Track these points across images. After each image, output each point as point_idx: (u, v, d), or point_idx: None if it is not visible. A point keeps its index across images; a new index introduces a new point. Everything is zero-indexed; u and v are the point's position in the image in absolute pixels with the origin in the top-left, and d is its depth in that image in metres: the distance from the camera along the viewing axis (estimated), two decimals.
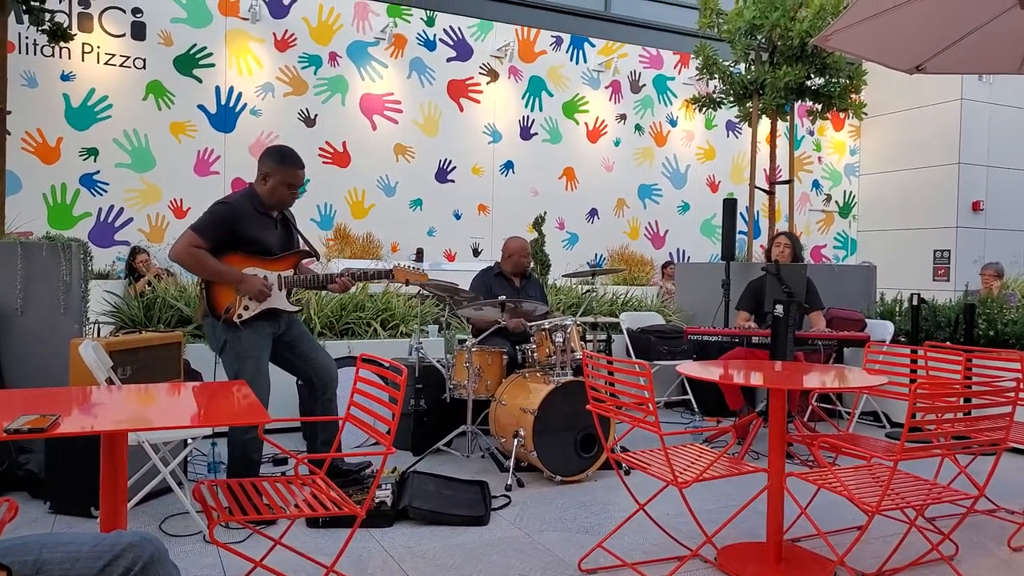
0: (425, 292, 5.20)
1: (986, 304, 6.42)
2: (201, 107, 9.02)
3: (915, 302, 6.27)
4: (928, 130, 11.99)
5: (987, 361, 4.22)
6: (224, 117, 9.12)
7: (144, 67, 8.76)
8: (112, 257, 8.56)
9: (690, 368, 3.47)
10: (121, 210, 8.68)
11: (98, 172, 8.56)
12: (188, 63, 8.95)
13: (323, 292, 5.87)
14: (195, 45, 8.97)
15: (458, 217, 10.23)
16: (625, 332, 6.68)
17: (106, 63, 8.59)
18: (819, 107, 7.46)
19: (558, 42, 10.85)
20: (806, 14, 6.83)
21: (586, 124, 11.04)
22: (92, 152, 8.52)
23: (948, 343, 5.90)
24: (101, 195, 8.59)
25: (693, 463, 3.15)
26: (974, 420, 3.37)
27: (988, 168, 11.79)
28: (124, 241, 8.65)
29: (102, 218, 8.60)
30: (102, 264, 8.30)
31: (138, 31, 8.72)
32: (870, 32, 3.73)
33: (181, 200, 8.89)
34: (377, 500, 3.86)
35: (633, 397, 3.07)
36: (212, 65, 9.05)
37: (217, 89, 9.08)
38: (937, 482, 3.14)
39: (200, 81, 9.01)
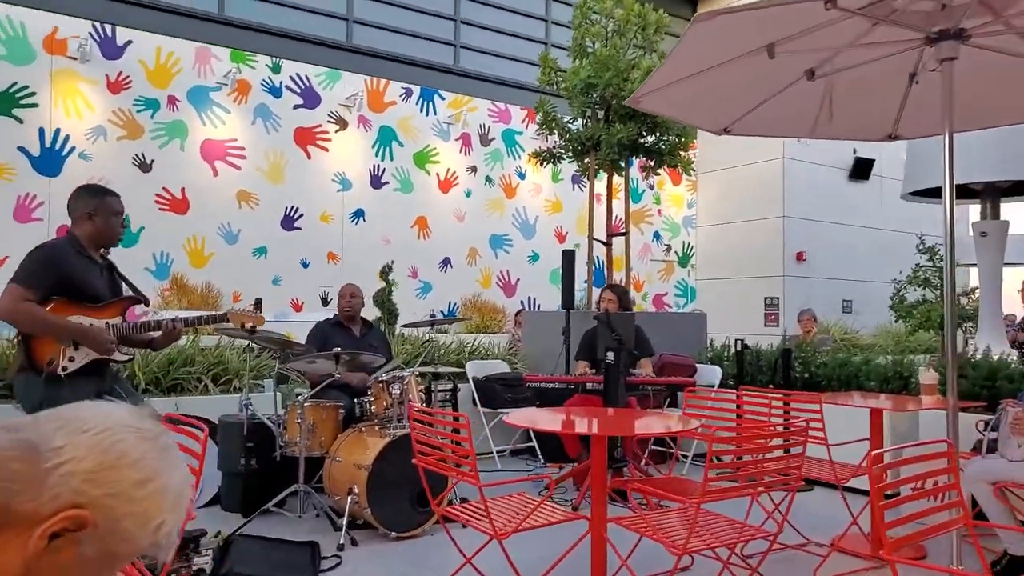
0: (255, 344, 5.01)
1: (802, 348, 6.93)
2: (22, 149, 8.41)
3: (739, 347, 6.68)
4: (755, 185, 12.95)
5: (799, 404, 4.54)
6: (49, 160, 8.54)
7: None
8: None
9: (514, 417, 3.51)
10: None
11: None
12: (7, 102, 8.34)
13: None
14: (15, 83, 8.39)
15: (306, 266, 10.00)
16: (471, 381, 6.70)
17: None
18: (652, 163, 7.91)
19: (408, 93, 10.96)
20: (637, 75, 7.26)
21: (437, 175, 11.16)
22: None
23: (771, 386, 6.32)
24: None
25: (519, 513, 3.17)
26: (779, 459, 3.59)
27: (808, 221, 12.83)
28: None
29: None
30: None
31: None
32: (679, 95, 4.00)
33: None
34: (196, 568, 3.65)
35: (456, 449, 3.07)
36: (35, 105, 8.49)
37: (41, 131, 8.51)
38: (747, 522, 3.30)
39: (21, 121, 8.41)
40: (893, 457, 3.77)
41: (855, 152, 13.06)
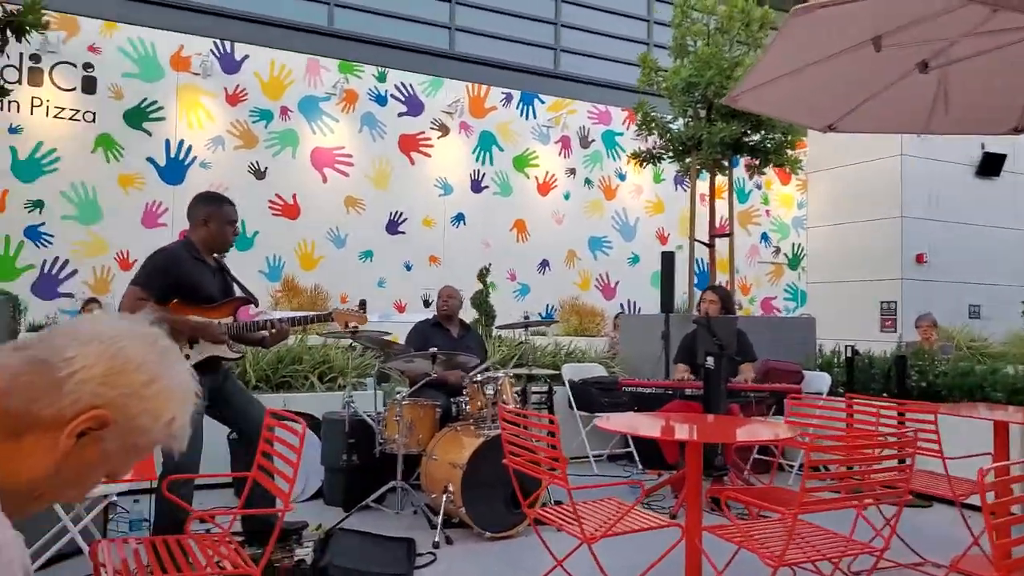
0: (357, 344, 5.17)
1: (919, 356, 6.53)
2: (150, 160, 9.01)
3: (850, 354, 6.37)
4: (870, 184, 12.30)
5: (912, 414, 4.28)
6: (174, 170, 9.11)
7: (94, 120, 8.76)
8: (55, 309, 8.41)
9: (609, 422, 3.48)
10: (66, 262, 8.58)
11: (43, 224, 8.48)
12: (138, 116, 8.96)
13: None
14: (146, 99, 9.00)
15: (409, 268, 10.26)
16: (567, 384, 6.67)
17: (55, 116, 8.57)
18: (757, 162, 7.67)
19: (508, 98, 11.07)
20: (741, 72, 7.06)
21: (536, 178, 11.21)
22: (38, 204, 8.45)
23: (884, 395, 5.99)
24: (46, 247, 8.49)
25: (610, 518, 3.14)
26: (884, 471, 3.41)
27: (929, 221, 12.09)
28: (68, 293, 8.53)
29: (46, 270, 8.48)
30: (44, 317, 8.14)
31: (88, 85, 8.74)
32: (781, 92, 3.87)
33: (127, 252, 8.81)
34: (297, 558, 3.80)
35: (547, 452, 3.07)
36: (162, 118, 9.08)
37: (167, 142, 9.09)
38: (853, 537, 3.15)
39: (150, 134, 9.02)
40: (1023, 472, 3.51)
41: (983, 147, 12.21)
